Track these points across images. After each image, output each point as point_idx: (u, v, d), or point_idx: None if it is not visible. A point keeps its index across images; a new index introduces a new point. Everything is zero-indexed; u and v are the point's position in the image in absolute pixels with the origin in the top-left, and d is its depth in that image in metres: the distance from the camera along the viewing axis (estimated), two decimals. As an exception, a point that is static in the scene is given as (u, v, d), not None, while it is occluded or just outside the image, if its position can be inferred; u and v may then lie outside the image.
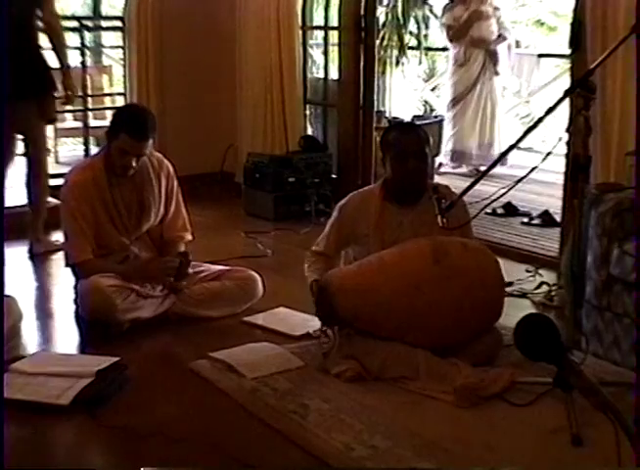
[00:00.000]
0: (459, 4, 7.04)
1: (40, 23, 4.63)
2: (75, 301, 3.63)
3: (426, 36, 7.54)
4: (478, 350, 3.07)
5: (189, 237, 3.88)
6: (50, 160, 6.44)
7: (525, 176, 2.92)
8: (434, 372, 2.95)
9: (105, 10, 7.63)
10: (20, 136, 4.79)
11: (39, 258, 4.73)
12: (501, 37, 7.13)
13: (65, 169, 6.09)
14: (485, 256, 3.16)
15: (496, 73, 7.14)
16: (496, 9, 7.10)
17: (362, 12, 5.72)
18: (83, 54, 6.46)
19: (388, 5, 7.29)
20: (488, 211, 5.10)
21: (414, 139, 3.25)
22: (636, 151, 3.34)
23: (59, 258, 4.50)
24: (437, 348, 3.02)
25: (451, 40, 7.11)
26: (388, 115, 7.31)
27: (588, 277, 3.30)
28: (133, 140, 3.48)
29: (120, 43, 6.32)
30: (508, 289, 3.97)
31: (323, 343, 3.18)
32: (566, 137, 3.55)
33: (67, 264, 3.66)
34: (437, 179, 5.33)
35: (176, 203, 3.82)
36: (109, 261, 3.63)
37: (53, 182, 5.84)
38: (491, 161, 7.04)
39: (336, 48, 6.07)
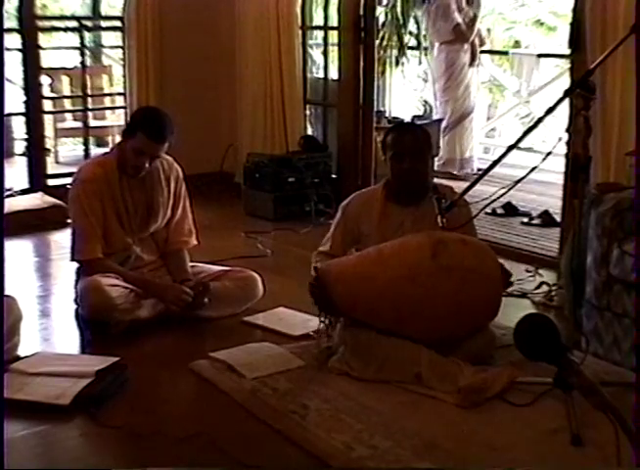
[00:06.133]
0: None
1: None
2: (75, 300, 3.64)
3: (425, 36, 7.53)
4: (469, 349, 3.07)
5: (194, 242, 3.87)
6: (50, 160, 6.47)
7: (525, 176, 2.93)
8: (436, 369, 2.95)
9: (104, 10, 7.65)
10: None
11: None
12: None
13: (65, 169, 6.14)
14: (484, 252, 3.16)
15: None
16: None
17: (361, 12, 5.71)
18: (83, 54, 6.47)
19: (387, 5, 7.28)
20: (488, 211, 5.10)
21: (411, 140, 3.30)
22: (636, 151, 3.34)
23: (59, 259, 4.51)
24: (434, 343, 3.02)
25: (452, 41, 6.95)
26: (388, 115, 7.30)
27: (588, 277, 3.30)
28: (150, 140, 3.48)
29: (120, 43, 6.32)
30: (508, 289, 3.97)
31: (323, 342, 3.19)
32: (566, 137, 3.55)
33: (72, 259, 3.66)
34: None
35: (183, 207, 3.82)
36: (117, 265, 3.62)
37: (53, 182, 5.88)
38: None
39: (335, 48, 6.06)
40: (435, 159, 6.92)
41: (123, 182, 3.62)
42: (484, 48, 7.35)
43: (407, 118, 7.19)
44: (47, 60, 6.53)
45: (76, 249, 3.62)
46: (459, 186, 3.58)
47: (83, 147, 6.57)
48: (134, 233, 3.68)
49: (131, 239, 3.68)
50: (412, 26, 7.49)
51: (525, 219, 5.55)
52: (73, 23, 6.56)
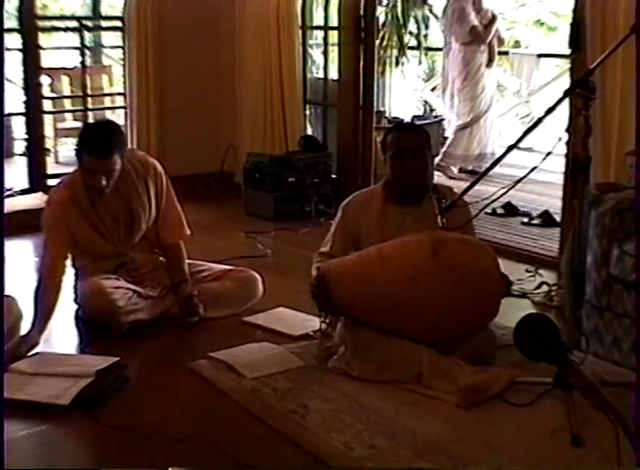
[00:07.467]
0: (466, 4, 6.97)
1: None
2: (75, 300, 3.63)
3: (426, 36, 7.54)
4: (469, 349, 3.06)
5: (187, 232, 3.79)
6: (50, 160, 6.47)
7: (525, 176, 2.93)
8: (436, 369, 2.95)
9: (105, 10, 7.66)
10: None
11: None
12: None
13: (65, 169, 6.12)
14: (484, 252, 3.15)
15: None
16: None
17: (362, 12, 5.71)
18: (83, 54, 6.47)
19: (387, 5, 7.29)
20: (488, 211, 5.10)
21: (411, 139, 3.31)
22: (636, 151, 3.34)
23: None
24: (434, 342, 3.02)
25: (469, 42, 6.87)
26: (388, 115, 7.31)
27: (588, 277, 3.30)
28: (95, 159, 3.35)
29: (120, 43, 6.32)
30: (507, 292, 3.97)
31: (323, 342, 3.19)
32: (566, 137, 3.55)
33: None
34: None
35: (167, 200, 3.70)
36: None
37: (53, 182, 5.87)
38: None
39: (335, 48, 6.06)
40: (446, 157, 6.94)
41: (94, 199, 3.51)
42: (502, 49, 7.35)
43: (407, 118, 7.19)
44: (47, 60, 6.51)
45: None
46: (459, 186, 3.58)
47: (83, 147, 6.56)
48: (121, 243, 3.62)
49: (120, 248, 3.62)
50: (412, 26, 7.50)
51: (526, 219, 5.55)
52: (73, 23, 6.55)
